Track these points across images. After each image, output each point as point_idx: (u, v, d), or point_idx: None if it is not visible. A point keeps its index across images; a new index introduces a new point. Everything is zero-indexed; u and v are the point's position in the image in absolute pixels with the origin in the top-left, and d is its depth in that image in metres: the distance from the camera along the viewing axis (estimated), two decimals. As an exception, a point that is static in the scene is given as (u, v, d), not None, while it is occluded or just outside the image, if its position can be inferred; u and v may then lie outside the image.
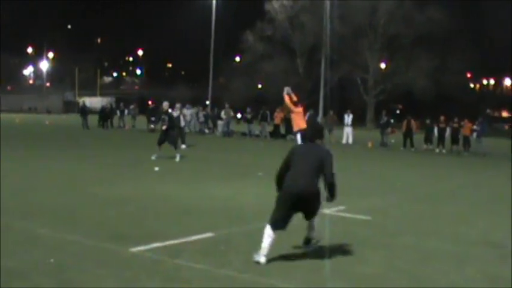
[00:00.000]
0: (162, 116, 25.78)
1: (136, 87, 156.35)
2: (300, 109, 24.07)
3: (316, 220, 9.82)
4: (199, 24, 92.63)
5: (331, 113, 48.45)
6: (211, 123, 50.35)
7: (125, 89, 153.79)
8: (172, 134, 25.33)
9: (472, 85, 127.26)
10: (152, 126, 31.37)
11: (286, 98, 23.71)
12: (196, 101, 65.02)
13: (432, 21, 79.47)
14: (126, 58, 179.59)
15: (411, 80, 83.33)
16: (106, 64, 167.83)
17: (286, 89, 23.72)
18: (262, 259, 9.05)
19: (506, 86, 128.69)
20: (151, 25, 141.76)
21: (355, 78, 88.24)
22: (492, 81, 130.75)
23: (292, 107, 23.67)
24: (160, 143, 25.02)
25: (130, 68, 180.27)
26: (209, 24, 75.75)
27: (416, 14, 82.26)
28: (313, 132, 10.05)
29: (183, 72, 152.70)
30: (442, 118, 41.15)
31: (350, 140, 44.11)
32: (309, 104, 46.59)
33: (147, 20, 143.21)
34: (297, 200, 9.23)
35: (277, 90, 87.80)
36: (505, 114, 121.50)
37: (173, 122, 25.54)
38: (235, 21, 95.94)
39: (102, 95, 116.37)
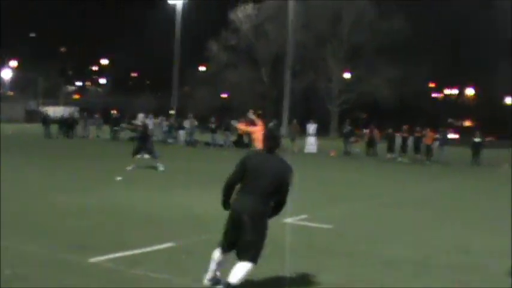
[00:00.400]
0: (138, 128, 25.84)
1: (99, 96, 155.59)
2: (259, 128, 23.52)
3: (245, 273, 7.88)
4: (164, 33, 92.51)
5: (295, 122, 48.58)
6: (175, 133, 50.19)
7: (89, 98, 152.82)
8: (148, 145, 25.36)
9: (435, 95, 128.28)
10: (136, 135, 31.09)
11: (241, 126, 23.75)
12: (161, 111, 64.81)
13: (396, 31, 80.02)
14: (91, 67, 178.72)
15: (375, 89, 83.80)
16: (70, 73, 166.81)
17: (234, 122, 23.62)
18: (204, 282, 8.40)
19: (468, 96, 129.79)
20: (115, 34, 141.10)
21: (319, 87, 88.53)
22: (455, 91, 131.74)
23: (251, 128, 23.62)
24: (136, 153, 25.04)
25: (95, 77, 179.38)
26: (174, 33, 75.79)
27: (380, 23, 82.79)
28: (270, 141, 8.36)
29: (147, 82, 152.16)
30: (404, 127, 41.54)
31: (313, 149, 44.22)
32: (273, 113, 46.82)
33: (111, 29, 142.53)
34: (238, 221, 7.94)
35: (241, 100, 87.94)
36: (467, 123, 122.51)
37: (147, 132, 25.60)
38: (200, 30, 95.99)
39: (65, 104, 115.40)
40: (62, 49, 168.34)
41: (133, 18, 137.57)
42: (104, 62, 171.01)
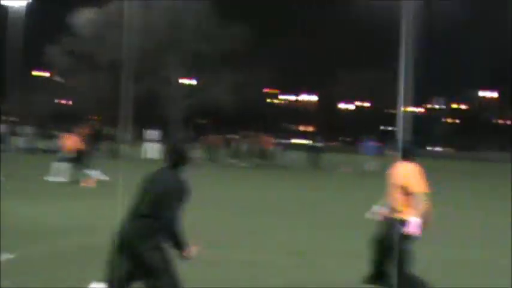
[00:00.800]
0: None
1: None
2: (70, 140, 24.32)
3: None
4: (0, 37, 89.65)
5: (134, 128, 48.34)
6: (13, 140, 48.85)
7: None
8: None
9: (275, 100, 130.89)
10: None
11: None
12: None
13: (236, 39, 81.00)
14: None
15: (215, 95, 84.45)
16: None
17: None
18: None
19: (306, 102, 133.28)
20: None
21: (160, 93, 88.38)
22: (294, 97, 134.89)
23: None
24: None
25: None
26: (11, 37, 73.73)
27: (220, 30, 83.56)
28: (174, 155, 7.23)
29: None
30: (244, 133, 42.30)
31: (154, 155, 44.14)
32: (113, 119, 46.33)
33: None
34: (121, 249, 6.71)
35: (82, 106, 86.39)
36: (306, 128, 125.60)
37: None
38: (39, 34, 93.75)
39: None
40: None
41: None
42: None
